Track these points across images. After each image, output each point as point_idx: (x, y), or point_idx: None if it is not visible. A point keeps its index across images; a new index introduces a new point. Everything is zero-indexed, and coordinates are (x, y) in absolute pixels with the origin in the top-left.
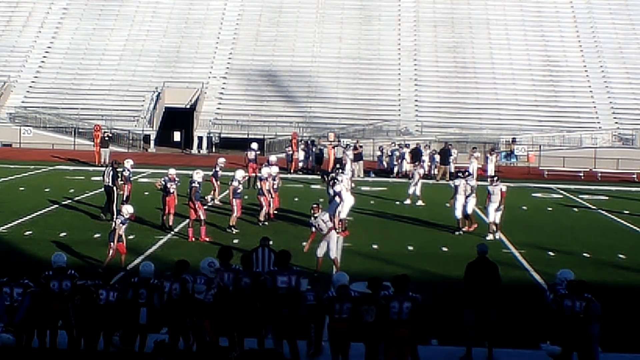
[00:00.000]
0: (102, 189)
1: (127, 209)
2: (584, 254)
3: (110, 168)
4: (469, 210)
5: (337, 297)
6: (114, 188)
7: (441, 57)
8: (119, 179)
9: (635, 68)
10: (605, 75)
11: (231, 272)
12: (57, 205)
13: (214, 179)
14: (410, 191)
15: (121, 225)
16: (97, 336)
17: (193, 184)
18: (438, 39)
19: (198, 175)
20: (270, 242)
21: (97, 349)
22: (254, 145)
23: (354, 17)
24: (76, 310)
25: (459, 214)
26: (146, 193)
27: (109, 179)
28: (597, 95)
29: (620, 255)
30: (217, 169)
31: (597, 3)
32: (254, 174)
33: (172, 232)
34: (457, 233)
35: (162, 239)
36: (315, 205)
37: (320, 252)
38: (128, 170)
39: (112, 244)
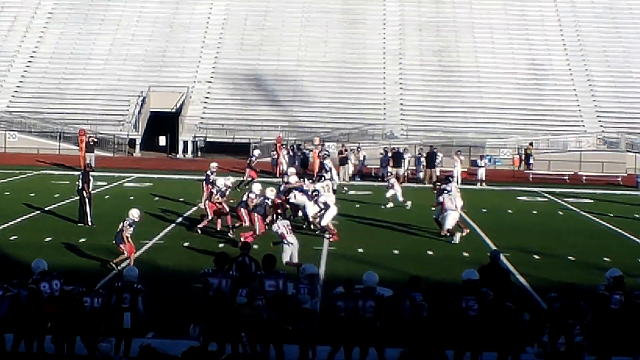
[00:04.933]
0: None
1: (135, 213)
2: (569, 257)
3: (82, 171)
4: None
5: (361, 294)
6: (83, 192)
7: (426, 61)
8: (89, 182)
9: (619, 71)
10: (590, 79)
11: (228, 278)
12: (42, 210)
13: (204, 184)
14: (388, 195)
15: (128, 227)
16: (86, 341)
17: (251, 194)
18: (423, 43)
19: (261, 189)
20: (255, 247)
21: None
22: (257, 152)
23: (339, 21)
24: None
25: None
26: (132, 197)
27: (80, 182)
28: (582, 99)
29: (605, 258)
30: (209, 172)
31: (582, 6)
32: (250, 178)
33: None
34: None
35: (147, 243)
36: None
37: (285, 257)
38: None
39: (121, 245)
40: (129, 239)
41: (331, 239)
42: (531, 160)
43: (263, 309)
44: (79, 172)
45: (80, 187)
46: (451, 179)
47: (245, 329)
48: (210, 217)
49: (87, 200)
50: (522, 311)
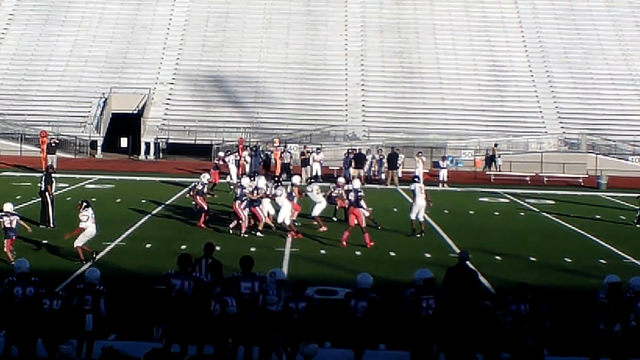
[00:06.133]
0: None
1: (8, 206)
2: (531, 258)
3: (45, 173)
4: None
5: (354, 294)
6: (46, 193)
7: (388, 62)
8: (52, 184)
9: (580, 73)
10: (550, 80)
11: (191, 280)
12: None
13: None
14: None
15: (7, 220)
16: (47, 343)
17: (352, 192)
18: (384, 44)
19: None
20: (218, 248)
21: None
22: (221, 154)
23: (300, 23)
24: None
25: (413, 216)
26: (93, 199)
27: (42, 184)
28: (543, 100)
29: (567, 259)
30: (199, 185)
31: (543, 8)
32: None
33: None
34: (417, 235)
35: (109, 245)
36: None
37: (79, 242)
38: (203, 184)
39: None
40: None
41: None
42: (499, 162)
43: (246, 312)
44: (41, 174)
45: (42, 189)
46: (416, 180)
47: (232, 335)
48: (245, 221)
49: (49, 201)
50: (504, 314)
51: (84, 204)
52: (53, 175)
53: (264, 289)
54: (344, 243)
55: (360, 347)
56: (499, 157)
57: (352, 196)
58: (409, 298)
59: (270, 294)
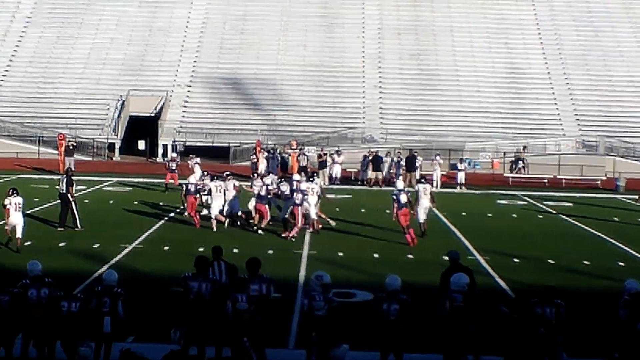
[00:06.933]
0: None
1: None
2: (548, 260)
3: (65, 176)
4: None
5: (385, 298)
6: (68, 195)
7: (405, 65)
8: (73, 186)
9: (598, 75)
10: (569, 82)
11: (208, 282)
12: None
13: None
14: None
15: None
16: (66, 346)
17: (403, 194)
18: (402, 47)
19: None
20: (236, 250)
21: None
22: (174, 154)
23: (318, 25)
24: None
25: (421, 218)
26: (111, 201)
27: (63, 186)
28: (561, 102)
29: (585, 262)
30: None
31: (561, 10)
32: (171, 180)
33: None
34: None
35: (127, 247)
36: None
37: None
38: (193, 184)
39: None
40: None
41: (288, 234)
42: (521, 164)
43: (255, 313)
44: (59, 176)
45: (64, 191)
46: (423, 181)
47: (246, 333)
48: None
49: (73, 204)
50: (539, 326)
51: (12, 191)
52: (72, 177)
53: (311, 294)
54: (412, 243)
55: (394, 350)
56: (522, 160)
57: (402, 198)
58: (461, 303)
59: (317, 299)
